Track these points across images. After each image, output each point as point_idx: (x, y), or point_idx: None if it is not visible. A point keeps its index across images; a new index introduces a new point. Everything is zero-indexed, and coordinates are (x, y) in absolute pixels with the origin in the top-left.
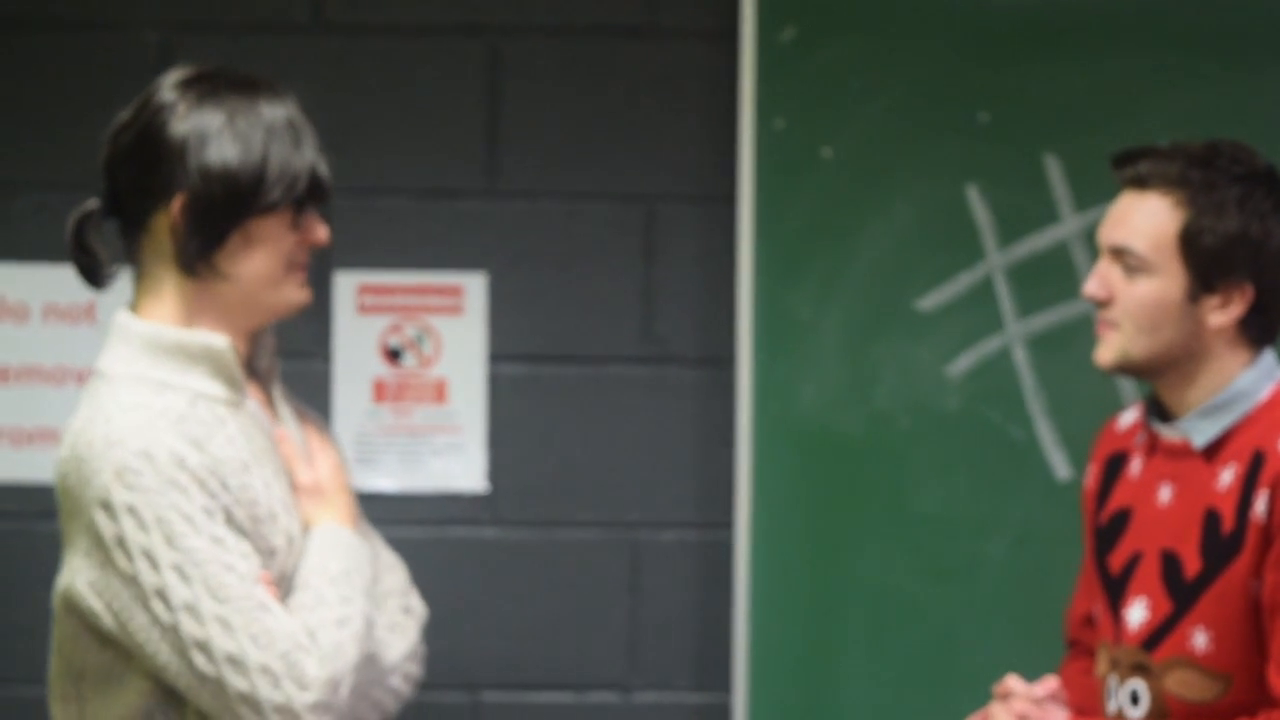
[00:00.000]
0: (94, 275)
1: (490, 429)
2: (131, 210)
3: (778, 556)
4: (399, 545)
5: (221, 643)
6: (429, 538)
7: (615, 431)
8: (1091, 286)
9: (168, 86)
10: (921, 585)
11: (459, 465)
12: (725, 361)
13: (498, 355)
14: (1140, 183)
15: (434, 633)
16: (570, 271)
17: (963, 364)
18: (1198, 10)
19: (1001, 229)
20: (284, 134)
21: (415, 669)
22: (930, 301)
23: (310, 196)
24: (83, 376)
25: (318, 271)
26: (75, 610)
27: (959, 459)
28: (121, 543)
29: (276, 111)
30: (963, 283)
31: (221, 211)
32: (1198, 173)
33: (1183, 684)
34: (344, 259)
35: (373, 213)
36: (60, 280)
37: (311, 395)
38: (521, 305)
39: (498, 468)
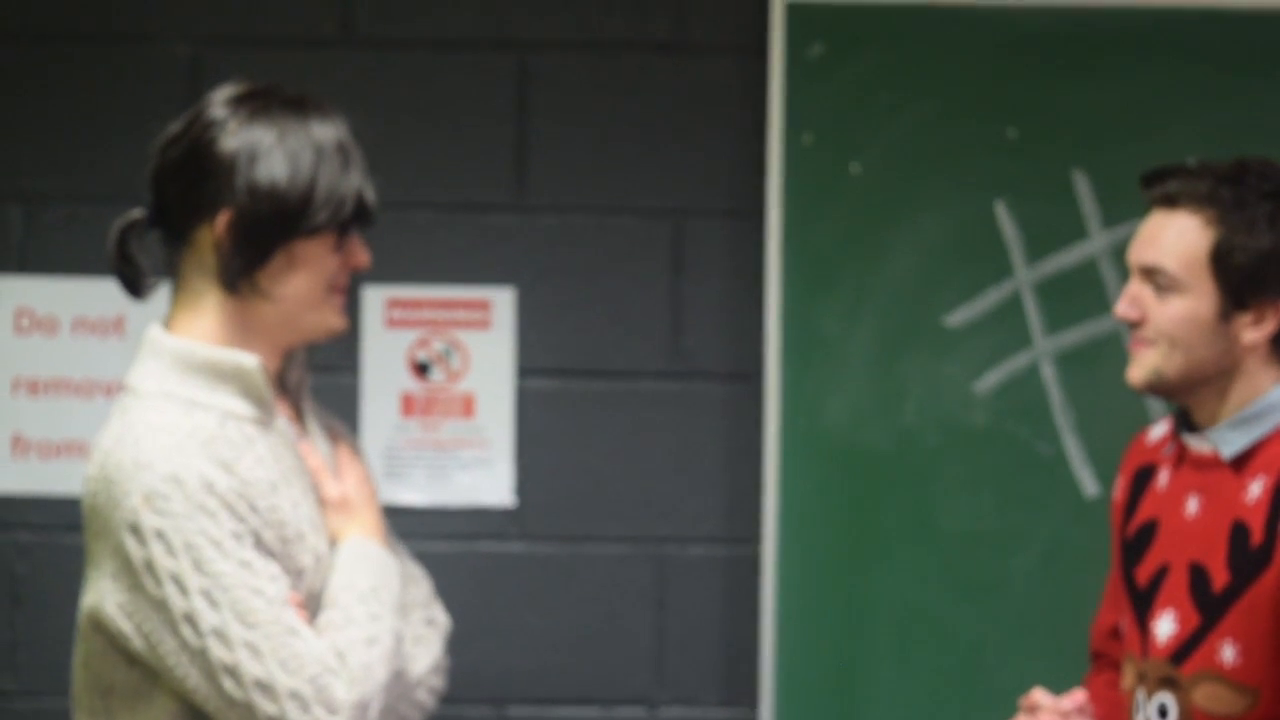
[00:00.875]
0: (135, 286)
1: (518, 443)
2: (176, 223)
3: (805, 572)
4: (426, 559)
5: (250, 668)
6: (456, 552)
7: (643, 446)
8: (1123, 307)
9: (219, 102)
10: (949, 601)
11: (486, 480)
12: (753, 376)
13: (526, 369)
14: (1170, 201)
15: (461, 647)
16: (598, 286)
17: (991, 380)
18: (1225, 26)
19: (1030, 245)
20: (333, 155)
21: (439, 682)
22: (958, 317)
23: (355, 220)
24: (111, 389)
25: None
26: (103, 630)
27: (987, 475)
28: (150, 567)
29: (327, 132)
30: (991, 298)
31: (267, 230)
32: (1228, 190)
33: (1211, 698)
34: (372, 273)
35: (401, 226)
36: (90, 293)
37: (339, 409)
38: (549, 319)
39: (525, 482)
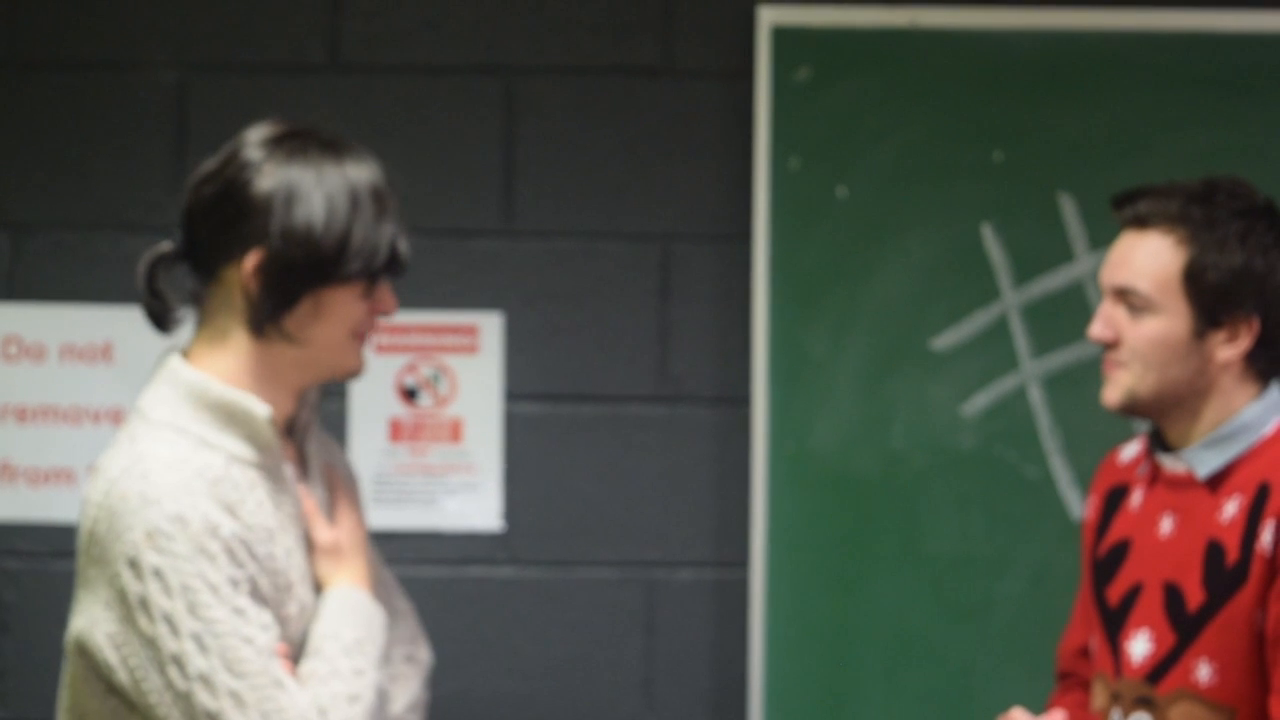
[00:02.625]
0: (162, 320)
1: (506, 468)
2: (206, 260)
3: (793, 595)
4: (415, 584)
5: (233, 717)
6: (445, 577)
7: (631, 470)
8: (1097, 329)
9: (255, 142)
10: (937, 624)
11: (475, 504)
12: (741, 400)
13: (513, 394)
14: (1141, 222)
15: (449, 672)
16: (586, 311)
17: (978, 403)
18: (1210, 50)
19: (1016, 268)
20: (369, 202)
21: (416, 719)
22: (945, 340)
23: (387, 269)
24: (100, 416)
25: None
26: (88, 655)
27: (974, 498)
28: (145, 604)
29: (363, 176)
30: (978, 322)
31: (298, 276)
32: (1198, 210)
33: (1188, 717)
34: None
35: None
36: (77, 320)
37: (328, 435)
38: (537, 344)
39: (513, 507)
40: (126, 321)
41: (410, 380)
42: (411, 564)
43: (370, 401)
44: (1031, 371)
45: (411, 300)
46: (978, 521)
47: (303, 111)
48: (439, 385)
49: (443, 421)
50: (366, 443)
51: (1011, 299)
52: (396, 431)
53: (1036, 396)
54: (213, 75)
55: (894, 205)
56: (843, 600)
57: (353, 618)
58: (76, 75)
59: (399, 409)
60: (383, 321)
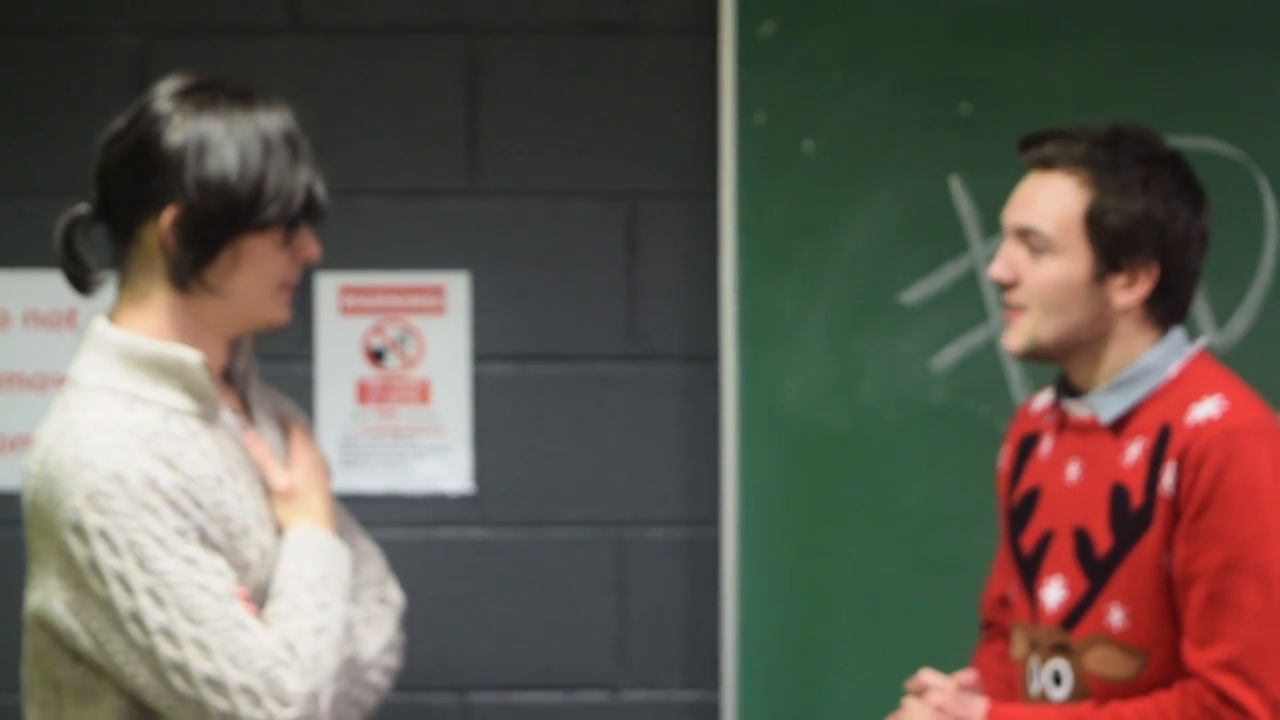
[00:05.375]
0: (81, 282)
1: (475, 429)
2: (122, 219)
3: (765, 552)
4: (385, 547)
5: (199, 665)
6: (416, 539)
7: (601, 429)
8: (997, 269)
9: (164, 95)
10: (909, 579)
11: (444, 466)
12: (710, 358)
13: (481, 355)
14: (1046, 164)
15: (422, 634)
16: (553, 270)
17: (948, 357)
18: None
19: (985, 220)
20: (282, 148)
21: (393, 661)
22: (915, 294)
23: (305, 215)
24: (65, 383)
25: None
26: (49, 627)
27: (946, 452)
28: (95, 567)
29: (274, 124)
30: (947, 275)
31: (215, 226)
32: (1103, 153)
33: (1103, 661)
34: (325, 260)
35: (353, 214)
36: (41, 287)
37: (295, 397)
38: (504, 304)
39: (483, 468)
40: (104, 285)
41: (377, 342)
42: (382, 526)
43: (337, 364)
44: (1001, 325)
45: (377, 261)
46: (949, 476)
47: (264, 74)
48: (406, 347)
49: (410, 383)
50: (334, 405)
51: (981, 251)
52: (364, 394)
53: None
54: (173, 39)
55: (861, 159)
56: (814, 557)
57: (313, 555)
58: (36, 41)
59: (366, 371)
60: (348, 283)
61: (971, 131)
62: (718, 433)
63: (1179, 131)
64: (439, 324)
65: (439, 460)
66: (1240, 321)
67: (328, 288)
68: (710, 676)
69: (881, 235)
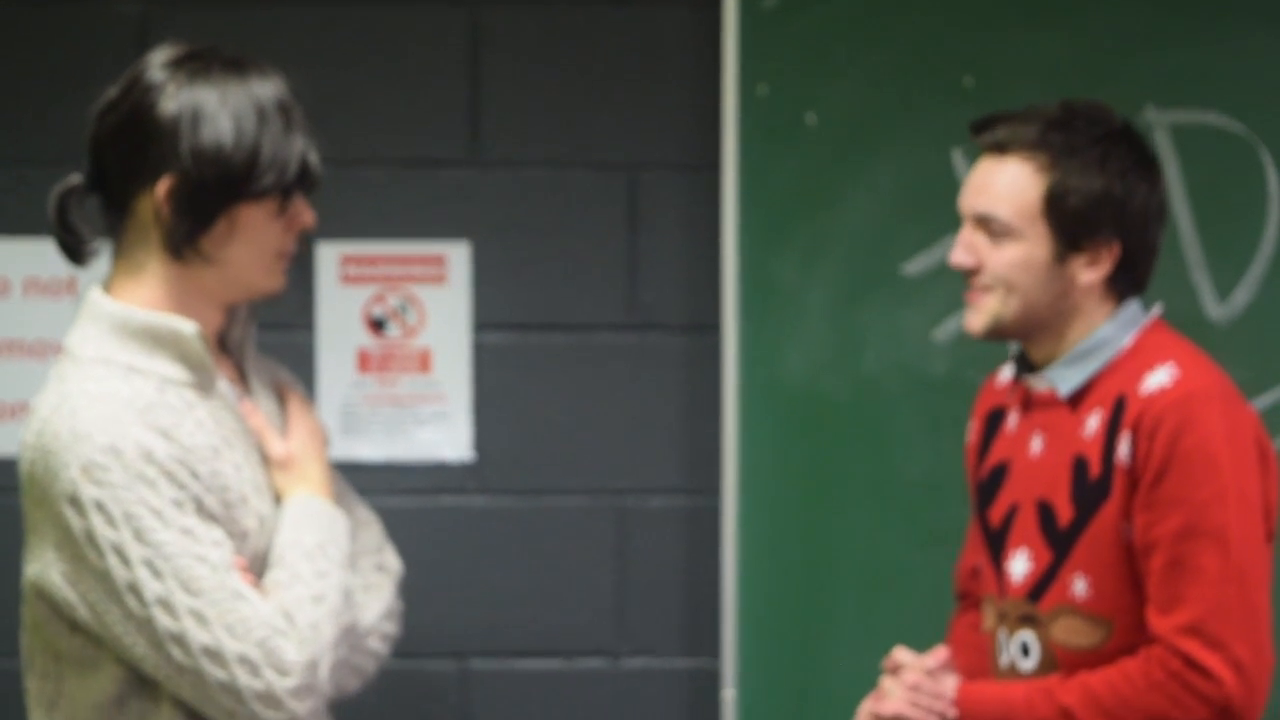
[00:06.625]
0: (75, 252)
1: (475, 398)
2: (116, 189)
3: (765, 522)
4: (385, 515)
5: (197, 635)
6: (416, 507)
7: (601, 399)
8: (958, 255)
9: (157, 65)
10: (909, 549)
11: (445, 434)
12: (710, 328)
13: (482, 324)
14: (1000, 148)
15: (421, 601)
16: (554, 240)
17: (949, 328)
18: None
19: None
20: (276, 117)
21: (392, 628)
22: (916, 266)
23: (299, 184)
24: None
25: (300, 241)
26: (48, 598)
27: (946, 423)
28: (91, 538)
29: (268, 92)
30: (949, 246)
31: (211, 195)
32: (1058, 135)
33: (1068, 631)
34: (326, 229)
35: (355, 183)
36: (41, 254)
37: (295, 366)
38: (505, 274)
39: (483, 436)
40: (99, 255)
41: (378, 311)
42: (382, 494)
43: (338, 332)
44: None
45: (379, 231)
46: (950, 447)
47: (266, 43)
48: (407, 316)
49: (411, 352)
50: (335, 374)
51: None
52: (365, 362)
53: None
54: (174, 6)
55: (864, 131)
56: (814, 527)
57: (311, 523)
58: (36, 7)
59: (367, 340)
60: (349, 252)
61: (974, 105)
62: (718, 403)
63: (1182, 105)
64: (440, 293)
65: (439, 429)
66: (1242, 295)
67: (328, 257)
68: (709, 644)
69: (883, 207)
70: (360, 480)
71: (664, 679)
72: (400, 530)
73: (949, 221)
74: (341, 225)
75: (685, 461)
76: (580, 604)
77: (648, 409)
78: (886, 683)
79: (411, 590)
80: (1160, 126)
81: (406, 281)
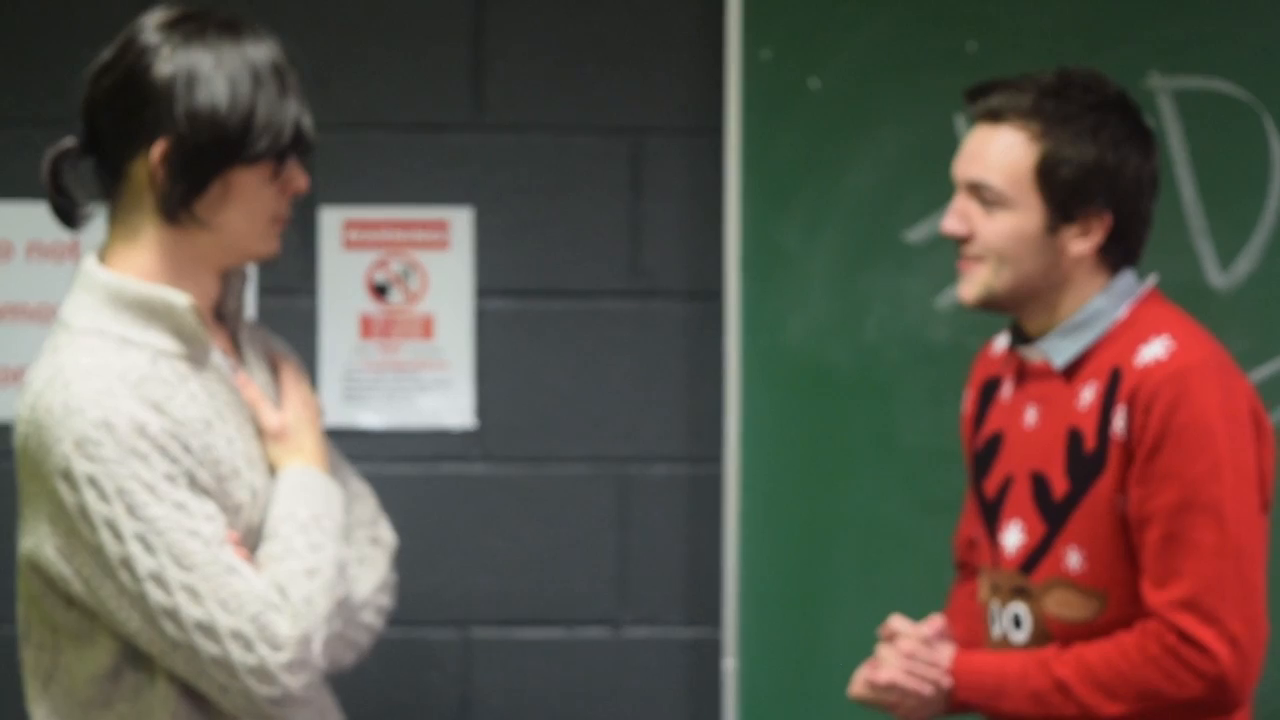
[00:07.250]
0: (69, 216)
1: (478, 364)
2: (110, 153)
3: (767, 490)
4: (387, 482)
5: (190, 610)
6: (418, 474)
7: (603, 365)
8: (950, 223)
9: (151, 27)
10: (911, 517)
11: (447, 401)
12: (713, 294)
13: (485, 290)
14: (994, 116)
15: (423, 569)
16: (557, 205)
17: (951, 295)
18: None
19: None
20: (270, 81)
21: (386, 600)
22: (919, 233)
23: (293, 148)
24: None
25: (303, 207)
26: (42, 572)
27: (948, 391)
28: (84, 513)
29: (262, 55)
30: None
31: (206, 158)
32: (1051, 104)
33: (1061, 604)
34: (329, 194)
35: (358, 148)
36: (44, 218)
37: (298, 332)
38: (508, 239)
39: (486, 403)
40: (93, 219)
41: (381, 276)
42: (384, 461)
43: (340, 298)
44: None
45: (381, 195)
46: (952, 414)
47: (269, 13)
48: (410, 281)
49: (414, 318)
50: (337, 340)
51: None
52: (367, 328)
53: None
54: None
55: (867, 96)
56: (816, 494)
57: (306, 495)
58: None
59: (369, 305)
60: (352, 217)
61: (978, 70)
62: (720, 369)
63: (1185, 71)
64: (442, 259)
65: (442, 395)
66: (1245, 263)
67: (331, 222)
68: (711, 613)
69: (886, 173)
70: (362, 447)
71: (666, 648)
72: (401, 497)
73: (952, 188)
74: (344, 190)
75: (687, 429)
76: (582, 572)
77: (650, 376)
78: (882, 650)
79: (413, 558)
80: (1164, 93)
81: (409, 247)
